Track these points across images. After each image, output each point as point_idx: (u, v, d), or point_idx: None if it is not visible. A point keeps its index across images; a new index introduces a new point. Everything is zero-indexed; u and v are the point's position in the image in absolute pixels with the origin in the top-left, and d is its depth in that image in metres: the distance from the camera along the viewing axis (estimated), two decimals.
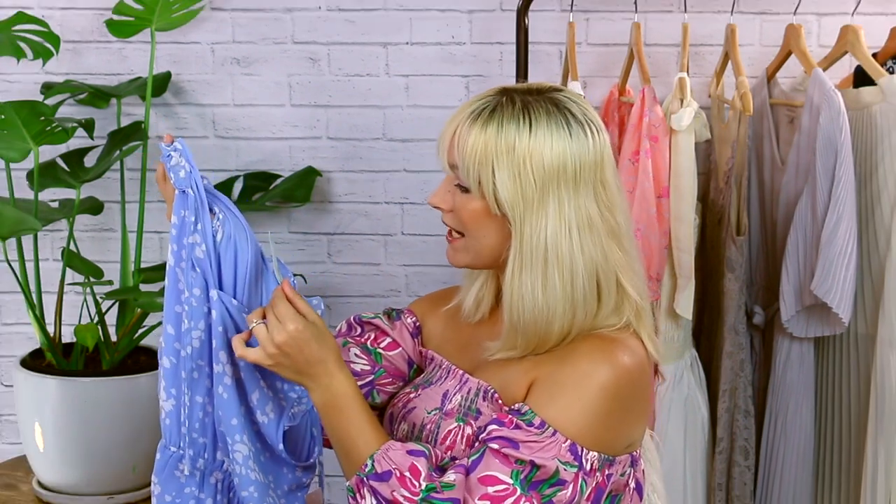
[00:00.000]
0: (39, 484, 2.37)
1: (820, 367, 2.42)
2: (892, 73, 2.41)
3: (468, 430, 1.55)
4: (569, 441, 1.46)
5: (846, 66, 2.59)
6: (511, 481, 1.44)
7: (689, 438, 2.40)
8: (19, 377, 2.32)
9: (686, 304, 2.32)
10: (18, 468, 2.48)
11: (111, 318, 2.44)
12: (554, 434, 1.46)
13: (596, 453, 1.48)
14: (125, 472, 2.32)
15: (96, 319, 2.40)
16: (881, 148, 2.28)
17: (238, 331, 1.56)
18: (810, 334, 2.35)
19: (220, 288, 1.57)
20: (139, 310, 2.38)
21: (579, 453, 1.47)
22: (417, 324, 1.76)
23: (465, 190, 1.53)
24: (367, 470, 1.48)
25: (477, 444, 1.50)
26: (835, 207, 2.24)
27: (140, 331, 2.42)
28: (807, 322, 2.34)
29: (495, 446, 1.46)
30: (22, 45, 2.39)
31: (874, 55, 2.39)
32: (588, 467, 1.47)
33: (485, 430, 1.49)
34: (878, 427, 2.26)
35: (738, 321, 2.37)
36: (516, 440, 1.45)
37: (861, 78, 2.41)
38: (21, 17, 2.42)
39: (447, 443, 1.56)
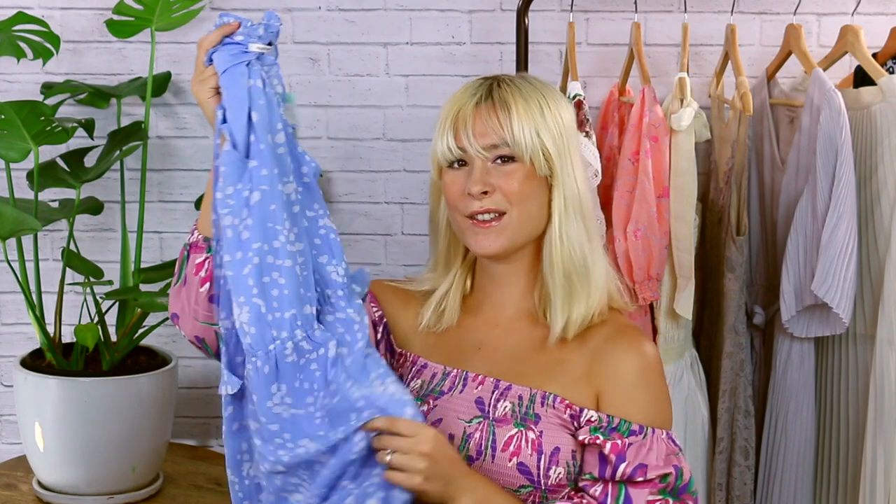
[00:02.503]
0: (39, 484, 2.37)
1: (820, 367, 2.42)
2: (892, 73, 2.41)
3: (531, 435, 1.60)
4: (664, 432, 1.60)
5: (846, 66, 2.59)
6: (661, 497, 1.57)
7: (689, 438, 2.40)
8: (19, 377, 2.32)
9: (686, 304, 2.32)
10: (18, 468, 2.48)
11: (111, 318, 2.44)
12: (653, 432, 1.59)
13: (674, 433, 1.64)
14: (125, 472, 2.32)
15: (96, 319, 2.40)
16: (881, 148, 2.28)
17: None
18: (811, 334, 2.35)
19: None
20: (139, 310, 2.38)
21: (674, 438, 1.61)
22: (382, 316, 1.75)
23: (509, 160, 1.62)
24: None
25: (611, 487, 1.57)
26: (835, 207, 2.24)
27: (140, 331, 2.42)
28: (807, 322, 2.34)
29: (639, 479, 1.57)
30: (22, 45, 2.39)
31: (874, 55, 2.39)
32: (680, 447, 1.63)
33: (613, 470, 1.57)
34: (878, 427, 2.26)
35: (738, 321, 2.37)
36: (642, 462, 1.57)
37: (861, 78, 2.41)
38: (21, 17, 2.42)
39: (511, 448, 1.60)
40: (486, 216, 1.62)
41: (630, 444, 1.57)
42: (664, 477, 1.57)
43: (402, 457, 1.49)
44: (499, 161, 1.62)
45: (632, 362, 1.62)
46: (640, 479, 1.57)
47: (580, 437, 1.59)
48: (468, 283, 1.73)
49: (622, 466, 1.57)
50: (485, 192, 1.61)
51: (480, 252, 1.64)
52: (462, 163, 1.64)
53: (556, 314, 1.65)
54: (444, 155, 1.64)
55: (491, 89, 1.64)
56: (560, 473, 1.58)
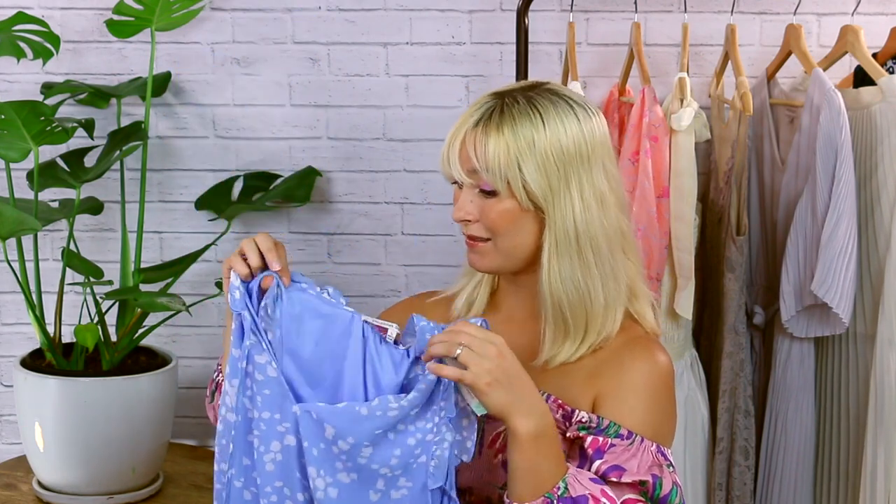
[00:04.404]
0: (39, 484, 2.37)
1: (820, 367, 2.42)
2: (892, 73, 2.41)
3: None
4: (654, 444, 1.54)
5: (846, 66, 2.59)
6: (644, 500, 1.52)
7: (689, 438, 2.40)
8: (19, 377, 2.32)
9: (686, 304, 2.32)
10: (18, 468, 2.48)
11: (111, 318, 2.44)
12: (642, 441, 1.53)
13: (670, 450, 1.57)
14: (125, 472, 2.32)
15: (96, 319, 2.40)
16: (881, 148, 2.28)
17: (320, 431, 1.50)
18: (810, 334, 2.35)
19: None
20: (139, 310, 2.38)
21: (665, 452, 1.55)
22: None
23: (491, 194, 1.56)
24: (559, 493, 1.48)
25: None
26: (835, 207, 2.24)
27: (140, 331, 2.42)
28: (807, 322, 2.34)
29: (614, 479, 1.52)
30: (22, 45, 2.39)
31: (874, 55, 2.39)
32: (674, 463, 1.56)
33: (590, 465, 1.52)
34: (878, 427, 2.26)
35: (738, 321, 2.37)
36: (619, 464, 1.51)
37: (861, 78, 2.41)
38: (21, 17, 2.42)
39: (497, 445, 1.59)
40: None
41: (612, 446, 1.53)
42: (641, 482, 1.52)
43: (471, 353, 1.41)
44: (480, 193, 1.57)
45: (639, 368, 1.57)
46: (615, 479, 1.52)
47: (568, 435, 1.57)
48: (496, 279, 1.71)
49: (597, 462, 1.52)
50: (468, 220, 1.59)
51: (472, 267, 1.63)
52: (458, 182, 1.62)
53: (544, 344, 1.61)
54: (442, 173, 1.63)
55: (488, 111, 1.56)
56: None
